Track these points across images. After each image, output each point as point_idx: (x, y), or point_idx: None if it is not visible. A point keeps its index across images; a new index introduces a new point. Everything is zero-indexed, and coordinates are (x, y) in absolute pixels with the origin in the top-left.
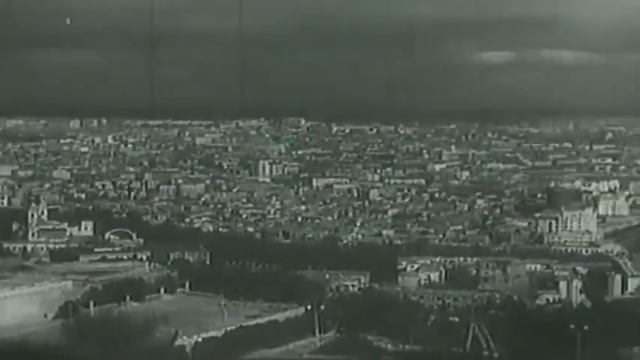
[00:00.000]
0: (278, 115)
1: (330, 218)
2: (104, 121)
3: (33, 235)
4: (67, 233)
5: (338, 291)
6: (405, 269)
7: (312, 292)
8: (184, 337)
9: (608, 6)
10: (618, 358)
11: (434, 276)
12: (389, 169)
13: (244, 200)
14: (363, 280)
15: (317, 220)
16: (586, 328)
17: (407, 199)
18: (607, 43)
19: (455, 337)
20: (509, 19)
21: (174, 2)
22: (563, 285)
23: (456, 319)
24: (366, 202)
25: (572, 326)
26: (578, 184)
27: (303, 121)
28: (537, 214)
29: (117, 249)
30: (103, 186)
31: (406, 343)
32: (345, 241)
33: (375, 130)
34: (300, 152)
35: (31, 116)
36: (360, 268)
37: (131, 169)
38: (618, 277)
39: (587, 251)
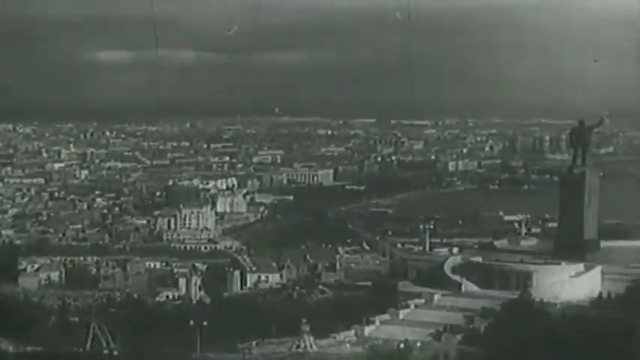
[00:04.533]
0: None
1: None
2: None
3: None
4: None
5: None
6: (25, 269)
7: None
8: None
9: (224, 7)
10: (238, 351)
11: (54, 276)
12: (8, 169)
13: None
14: None
15: None
16: (205, 323)
17: (26, 199)
18: (225, 44)
19: (75, 337)
20: (128, 19)
21: None
22: (182, 282)
23: (77, 319)
24: None
25: (191, 322)
26: (196, 182)
27: None
28: (156, 212)
29: None
30: None
31: (27, 345)
32: None
33: None
34: None
35: None
36: None
37: None
38: (237, 273)
39: (206, 248)
